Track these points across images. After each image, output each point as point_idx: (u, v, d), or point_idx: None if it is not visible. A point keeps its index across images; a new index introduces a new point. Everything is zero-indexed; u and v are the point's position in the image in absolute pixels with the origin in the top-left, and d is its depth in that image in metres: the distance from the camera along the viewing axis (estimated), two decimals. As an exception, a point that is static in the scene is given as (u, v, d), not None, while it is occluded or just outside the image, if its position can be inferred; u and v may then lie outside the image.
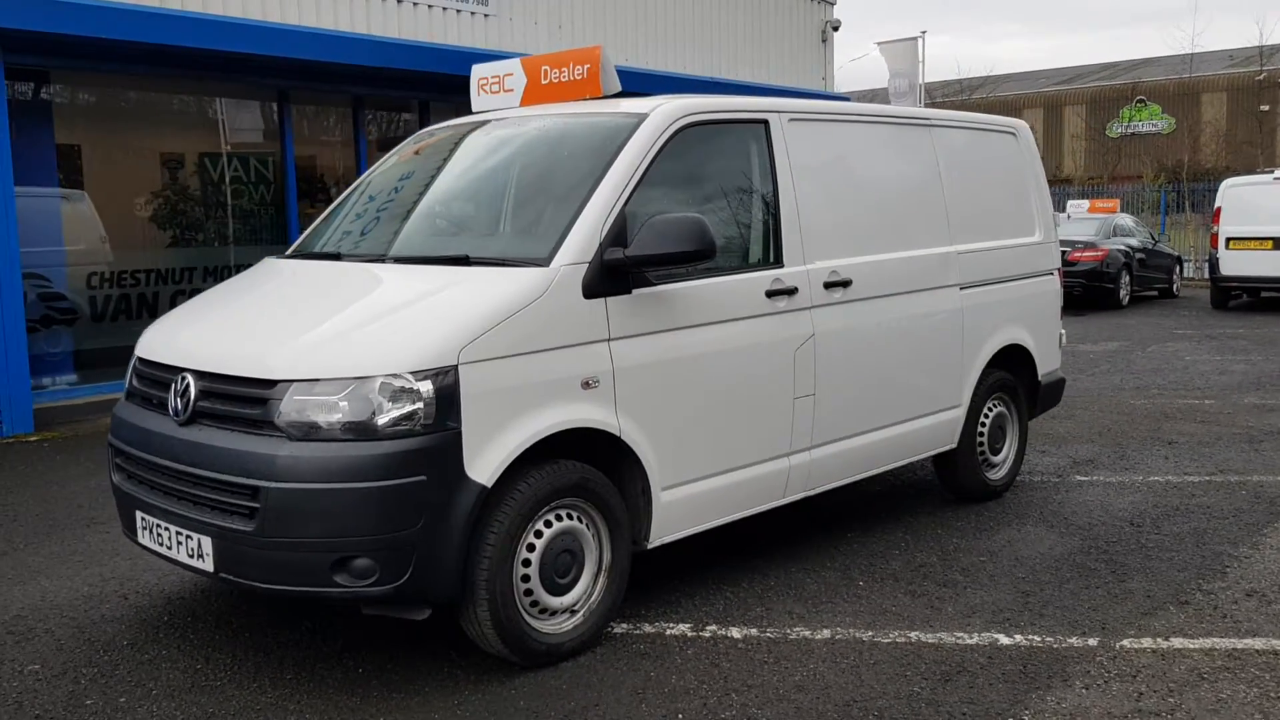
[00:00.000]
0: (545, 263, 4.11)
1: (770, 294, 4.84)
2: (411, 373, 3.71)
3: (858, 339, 5.27)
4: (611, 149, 4.46)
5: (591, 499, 4.21)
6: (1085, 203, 21.65)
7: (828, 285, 5.11)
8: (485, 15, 11.93)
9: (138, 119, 10.96)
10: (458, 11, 11.63)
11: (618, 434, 4.24)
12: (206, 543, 3.88)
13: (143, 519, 4.20)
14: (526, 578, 4.03)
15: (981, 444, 6.31)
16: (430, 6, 11.37)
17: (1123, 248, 19.29)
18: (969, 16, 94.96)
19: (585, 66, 5.04)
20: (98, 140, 10.23)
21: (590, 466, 4.22)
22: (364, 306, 4.15)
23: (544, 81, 5.22)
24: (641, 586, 4.94)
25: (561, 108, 5.04)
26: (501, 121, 5.16)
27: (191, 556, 3.95)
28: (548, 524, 4.09)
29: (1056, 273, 6.86)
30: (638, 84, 12.40)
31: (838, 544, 5.61)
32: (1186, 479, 6.86)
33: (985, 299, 6.13)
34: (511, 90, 5.36)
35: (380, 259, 4.55)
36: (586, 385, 4.12)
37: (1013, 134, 6.67)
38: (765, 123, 5.01)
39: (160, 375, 4.25)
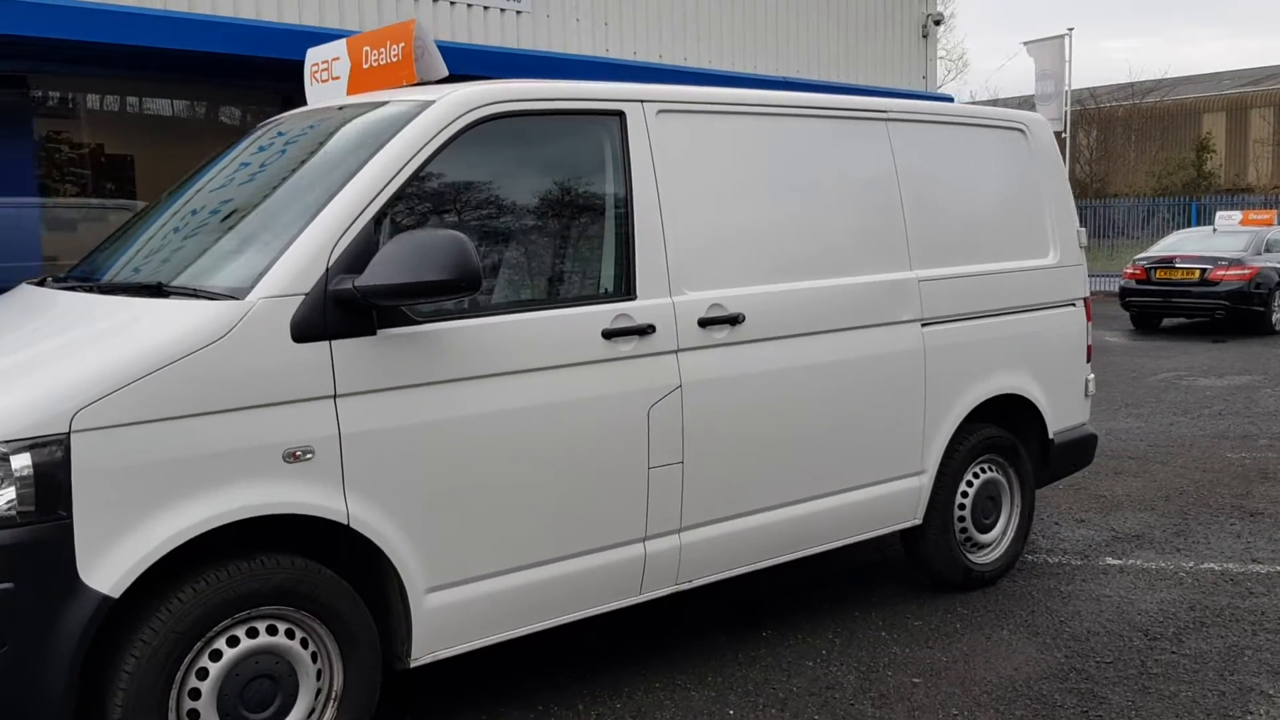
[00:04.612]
0: (241, 294, 3.12)
1: (611, 334, 3.73)
2: (5, 441, 2.78)
3: (751, 392, 4.10)
4: (372, 148, 3.45)
5: (310, 608, 3.20)
6: (1237, 214, 19.34)
7: (706, 322, 3.96)
8: (517, 12, 11.06)
9: (157, 128, 10.58)
10: (485, 9, 10.79)
11: (344, 521, 3.22)
12: None
13: None
14: (195, 714, 3.04)
15: (962, 519, 5.01)
16: (453, 3, 10.57)
17: (1278, 265, 17.04)
18: (1163, 19, 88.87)
19: (400, 46, 4.04)
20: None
21: (313, 564, 3.21)
22: (9, 351, 3.23)
23: (365, 65, 4.25)
24: (453, 697, 3.91)
25: (357, 98, 4.06)
26: (291, 118, 4.23)
27: None
28: (233, 642, 3.10)
29: (1083, 303, 5.48)
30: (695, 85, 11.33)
31: (741, 645, 4.43)
32: (1251, 568, 5.37)
33: (961, 337, 4.84)
34: (339, 77, 4.41)
35: (92, 287, 3.65)
36: (293, 457, 3.12)
37: (1020, 131, 5.33)
38: (621, 115, 3.91)
39: None
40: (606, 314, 3.74)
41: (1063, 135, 26.27)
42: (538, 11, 11.22)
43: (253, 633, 3.13)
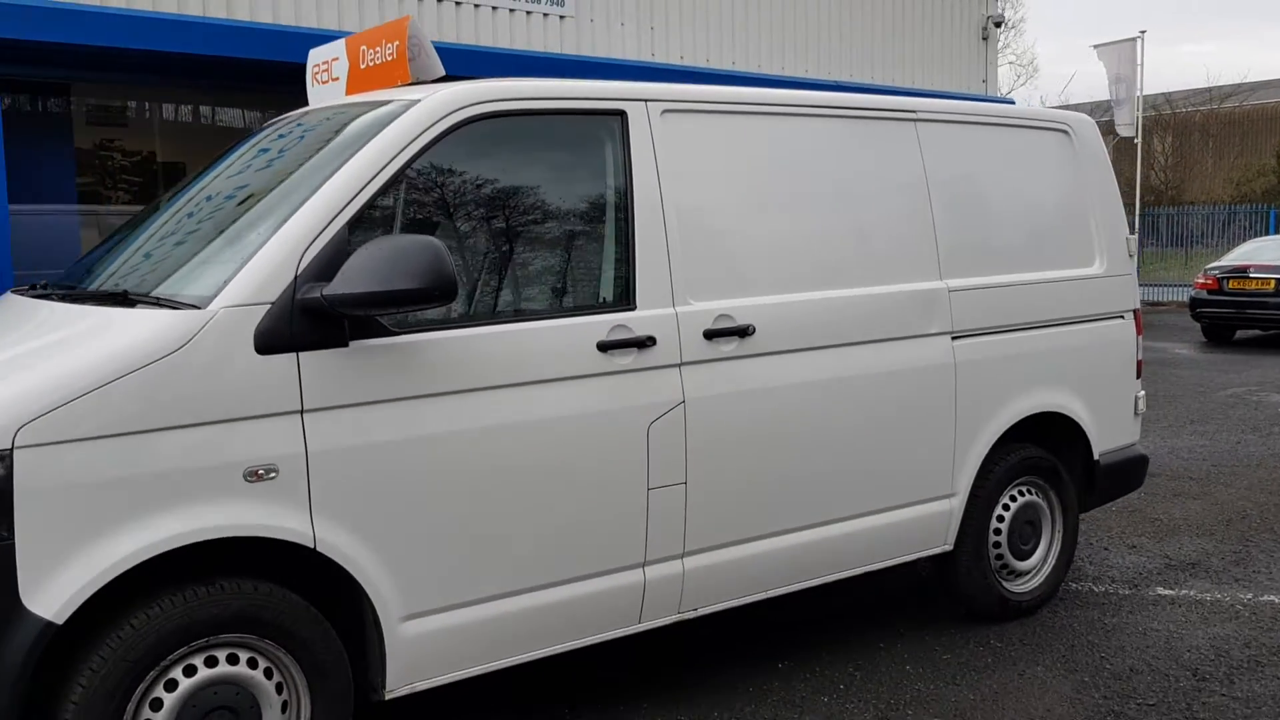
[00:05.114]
0: (204, 303, 2.96)
1: (606, 346, 3.51)
2: (-56, 459, 2.64)
3: (761, 408, 3.85)
4: (353, 150, 3.28)
5: (273, 635, 3.02)
6: (1314, 221, 18.53)
7: (712, 334, 3.73)
8: (560, 17, 10.90)
9: (211, 136, 10.63)
10: (528, 14, 10.65)
11: (310, 544, 3.03)
12: None
13: None
14: (148, 746, 2.88)
15: (997, 545, 4.70)
16: (495, 9, 10.44)
17: (1359, 276, 16.26)
18: (1241, 22, 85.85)
19: (394, 44, 3.87)
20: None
21: (278, 589, 3.03)
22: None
23: (362, 65, 4.09)
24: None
25: (359, 98, 3.89)
26: (292, 119, 4.07)
27: None
28: (190, 671, 2.92)
29: (1132, 316, 5.13)
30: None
31: (753, 677, 4.17)
32: (1316, 601, 4.99)
33: (996, 351, 4.54)
34: (338, 78, 4.25)
35: (66, 295, 3.50)
36: (255, 476, 2.94)
37: (1065, 131, 5.01)
38: (622, 114, 3.69)
39: None
40: (602, 325, 3.52)
41: (1135, 140, 25.57)
42: (581, 16, 11.06)
43: (211, 661, 2.95)
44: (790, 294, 3.95)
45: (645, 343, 3.58)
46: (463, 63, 9.47)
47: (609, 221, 3.64)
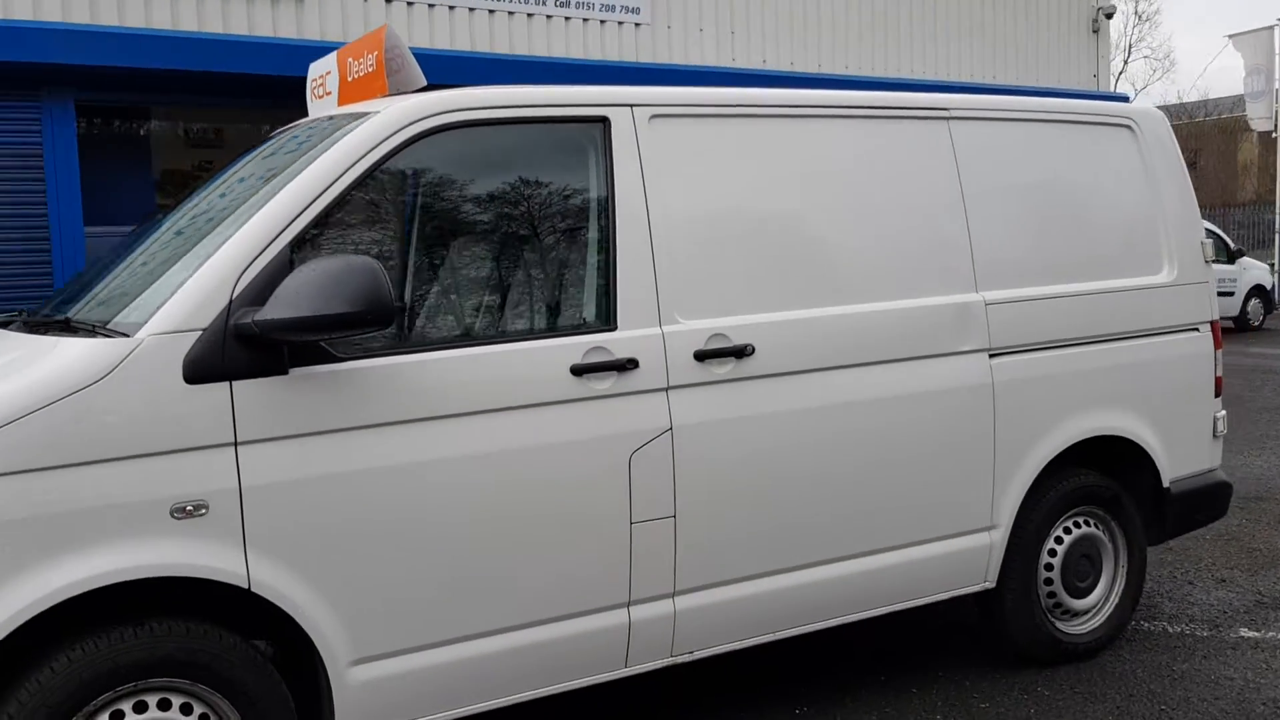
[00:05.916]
0: (133, 330, 2.82)
1: (582, 370, 3.27)
2: None
3: (762, 435, 3.54)
4: (302, 168, 3.11)
5: (207, 679, 2.85)
6: None
7: (704, 355, 3.45)
8: (637, 24, 10.70)
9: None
10: (601, 22, 10.48)
11: (244, 585, 2.86)
12: None
13: None
14: (71, 796, 2.74)
15: (1049, 582, 4.28)
16: (568, 19, 10.30)
17: None
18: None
19: (373, 55, 3.70)
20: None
21: (214, 630, 2.87)
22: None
23: (349, 78, 3.94)
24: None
25: (326, 114, 3.73)
26: (281, 133, 3.93)
27: None
28: (117, 717, 2.77)
29: (1208, 328, 4.64)
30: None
31: (766, 727, 3.86)
32: None
33: (1043, 370, 4.13)
34: (330, 92, 4.12)
35: (27, 324, 3.41)
36: (183, 513, 2.78)
37: (1128, 127, 4.56)
38: (604, 121, 3.45)
39: None
40: (577, 347, 3.28)
41: (1274, 135, 24.09)
42: (658, 23, 10.85)
43: (141, 707, 2.80)
44: (796, 310, 3.64)
45: (626, 365, 3.33)
46: (539, 74, 9.39)
47: (589, 237, 3.40)
